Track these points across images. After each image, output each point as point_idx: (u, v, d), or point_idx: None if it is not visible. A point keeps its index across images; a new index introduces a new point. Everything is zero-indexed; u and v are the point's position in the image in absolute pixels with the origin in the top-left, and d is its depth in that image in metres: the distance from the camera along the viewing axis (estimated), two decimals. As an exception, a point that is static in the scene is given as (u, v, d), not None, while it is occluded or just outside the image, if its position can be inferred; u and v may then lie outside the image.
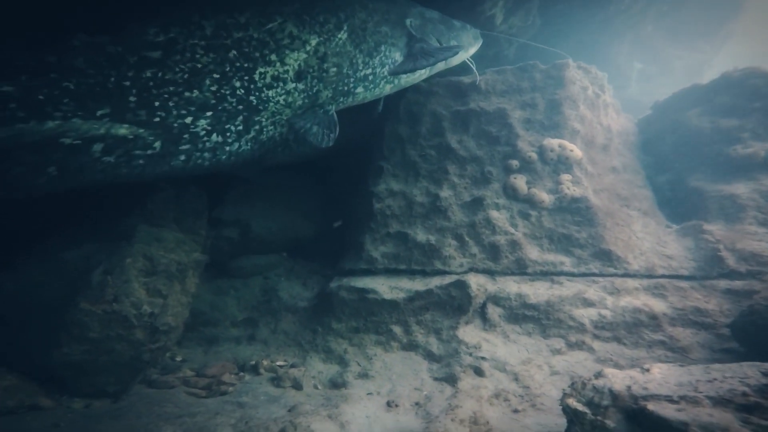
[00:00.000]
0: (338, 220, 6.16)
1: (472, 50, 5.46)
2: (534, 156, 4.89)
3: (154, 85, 3.17)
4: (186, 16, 3.38)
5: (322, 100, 4.07)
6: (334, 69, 4.01)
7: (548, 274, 4.45)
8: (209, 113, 3.43)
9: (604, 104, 5.77)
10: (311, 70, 3.88)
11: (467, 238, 4.66)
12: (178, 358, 4.36)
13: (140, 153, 3.22)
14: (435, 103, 5.34)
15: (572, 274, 4.43)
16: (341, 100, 4.25)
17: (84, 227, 4.22)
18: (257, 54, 3.58)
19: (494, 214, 4.70)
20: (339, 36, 4.01)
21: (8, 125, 2.69)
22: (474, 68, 5.32)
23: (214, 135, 3.52)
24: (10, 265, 3.98)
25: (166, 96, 3.22)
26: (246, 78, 3.55)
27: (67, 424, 3.28)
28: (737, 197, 4.85)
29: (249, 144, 3.79)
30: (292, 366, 4.21)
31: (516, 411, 3.39)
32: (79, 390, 3.68)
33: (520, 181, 4.80)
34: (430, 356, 4.13)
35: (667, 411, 2.21)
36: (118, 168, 3.20)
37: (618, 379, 2.54)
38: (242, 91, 3.55)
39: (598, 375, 2.63)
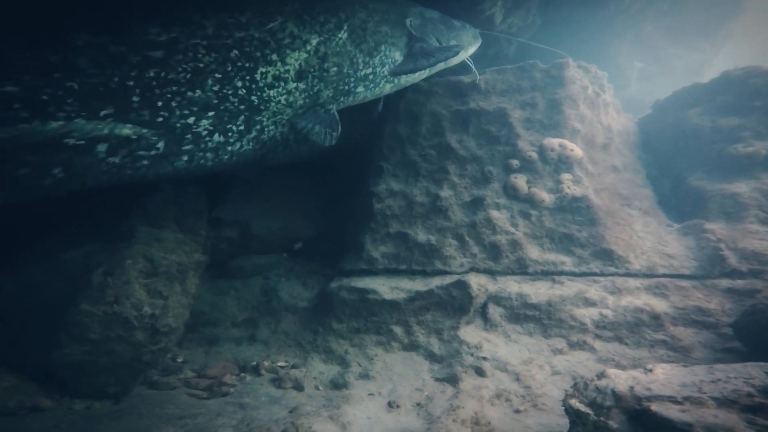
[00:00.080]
0: (338, 220, 6.14)
1: (472, 50, 5.45)
2: (534, 155, 4.89)
3: (157, 85, 3.16)
4: (187, 15, 3.38)
5: (323, 99, 4.07)
6: (335, 68, 4.01)
7: (549, 273, 4.45)
8: (211, 113, 3.42)
9: (605, 103, 5.76)
10: (312, 70, 3.87)
11: (468, 238, 4.65)
12: (179, 359, 4.35)
13: (144, 153, 3.21)
14: (435, 102, 5.33)
15: (573, 274, 4.42)
16: (342, 99, 4.24)
17: (84, 228, 4.22)
18: (258, 54, 3.57)
19: (495, 213, 4.69)
20: (339, 36, 4.01)
21: (12, 125, 2.67)
22: (473, 68, 5.31)
23: (217, 135, 3.51)
24: (10, 265, 3.98)
25: (169, 96, 3.21)
26: (247, 78, 3.54)
27: (68, 426, 3.28)
28: (738, 196, 4.84)
29: (251, 144, 3.78)
30: (293, 367, 4.20)
31: (517, 411, 3.38)
32: (79, 391, 3.69)
33: (520, 181, 4.80)
34: (431, 356, 4.13)
35: (671, 412, 2.21)
36: (123, 169, 3.18)
37: (621, 380, 2.53)
38: (244, 91, 3.54)
39: (601, 375, 2.62)
